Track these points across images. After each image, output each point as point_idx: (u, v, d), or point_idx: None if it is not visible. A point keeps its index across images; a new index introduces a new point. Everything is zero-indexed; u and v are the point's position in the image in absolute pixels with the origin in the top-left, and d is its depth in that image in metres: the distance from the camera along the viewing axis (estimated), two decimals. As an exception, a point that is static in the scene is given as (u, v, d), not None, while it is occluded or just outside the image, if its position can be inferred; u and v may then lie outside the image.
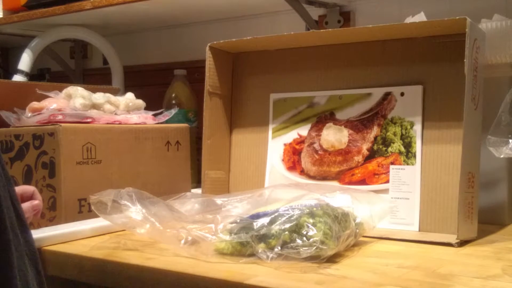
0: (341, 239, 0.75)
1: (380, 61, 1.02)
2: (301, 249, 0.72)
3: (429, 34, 0.97)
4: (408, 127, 0.97)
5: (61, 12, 1.50)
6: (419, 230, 0.93)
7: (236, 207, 0.87)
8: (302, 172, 1.07)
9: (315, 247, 0.72)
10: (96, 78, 1.88)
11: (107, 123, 1.10)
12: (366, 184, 1.00)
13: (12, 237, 0.64)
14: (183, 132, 1.21)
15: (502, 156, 0.74)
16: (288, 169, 1.09)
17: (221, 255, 0.77)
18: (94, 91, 1.16)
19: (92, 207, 0.85)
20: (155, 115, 1.21)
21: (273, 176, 1.10)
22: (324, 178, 1.05)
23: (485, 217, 0.95)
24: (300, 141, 1.09)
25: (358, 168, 1.01)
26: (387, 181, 0.97)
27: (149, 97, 1.27)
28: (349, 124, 1.04)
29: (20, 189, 0.91)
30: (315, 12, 1.42)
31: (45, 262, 0.85)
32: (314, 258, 0.72)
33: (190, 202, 0.91)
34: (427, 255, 0.79)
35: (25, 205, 0.88)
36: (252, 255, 0.75)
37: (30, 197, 0.91)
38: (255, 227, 0.75)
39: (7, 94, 1.16)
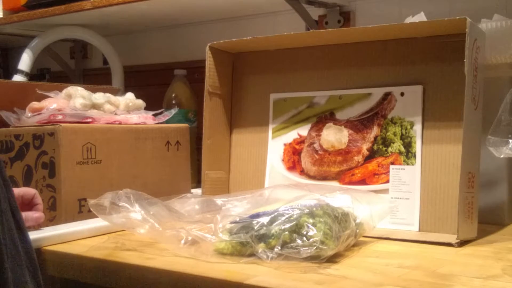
0: (341, 239, 0.75)
1: (380, 61, 1.02)
2: (301, 249, 0.72)
3: (429, 34, 0.97)
4: (408, 127, 0.97)
5: (61, 12, 1.50)
6: (419, 230, 0.93)
7: (236, 206, 0.87)
8: (302, 172, 1.07)
9: (315, 247, 0.72)
10: (96, 78, 1.88)
11: (107, 123, 1.10)
12: (366, 184, 0.99)
13: (5, 246, 0.63)
14: (183, 132, 1.21)
15: (502, 156, 0.74)
16: (288, 169, 1.09)
17: (221, 255, 0.77)
18: (94, 91, 1.16)
19: (91, 209, 0.85)
20: (155, 115, 1.21)
21: (273, 176, 1.10)
22: (324, 178, 1.05)
23: (485, 217, 0.95)
24: (300, 141, 1.09)
25: (358, 168, 1.01)
26: (387, 181, 0.97)
27: (149, 97, 1.27)
28: (349, 124, 1.04)
29: (21, 191, 0.91)
30: (315, 12, 1.42)
31: (45, 262, 0.85)
32: (314, 258, 0.72)
33: (190, 202, 0.91)
34: (427, 255, 0.79)
35: (28, 214, 0.88)
36: (252, 255, 0.75)
37: (31, 200, 0.91)
38: (255, 227, 0.75)
39: (7, 94, 1.16)
